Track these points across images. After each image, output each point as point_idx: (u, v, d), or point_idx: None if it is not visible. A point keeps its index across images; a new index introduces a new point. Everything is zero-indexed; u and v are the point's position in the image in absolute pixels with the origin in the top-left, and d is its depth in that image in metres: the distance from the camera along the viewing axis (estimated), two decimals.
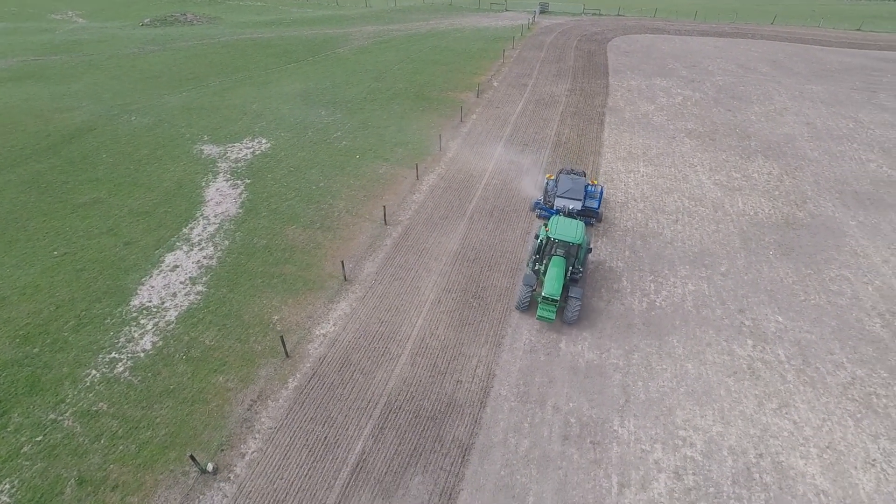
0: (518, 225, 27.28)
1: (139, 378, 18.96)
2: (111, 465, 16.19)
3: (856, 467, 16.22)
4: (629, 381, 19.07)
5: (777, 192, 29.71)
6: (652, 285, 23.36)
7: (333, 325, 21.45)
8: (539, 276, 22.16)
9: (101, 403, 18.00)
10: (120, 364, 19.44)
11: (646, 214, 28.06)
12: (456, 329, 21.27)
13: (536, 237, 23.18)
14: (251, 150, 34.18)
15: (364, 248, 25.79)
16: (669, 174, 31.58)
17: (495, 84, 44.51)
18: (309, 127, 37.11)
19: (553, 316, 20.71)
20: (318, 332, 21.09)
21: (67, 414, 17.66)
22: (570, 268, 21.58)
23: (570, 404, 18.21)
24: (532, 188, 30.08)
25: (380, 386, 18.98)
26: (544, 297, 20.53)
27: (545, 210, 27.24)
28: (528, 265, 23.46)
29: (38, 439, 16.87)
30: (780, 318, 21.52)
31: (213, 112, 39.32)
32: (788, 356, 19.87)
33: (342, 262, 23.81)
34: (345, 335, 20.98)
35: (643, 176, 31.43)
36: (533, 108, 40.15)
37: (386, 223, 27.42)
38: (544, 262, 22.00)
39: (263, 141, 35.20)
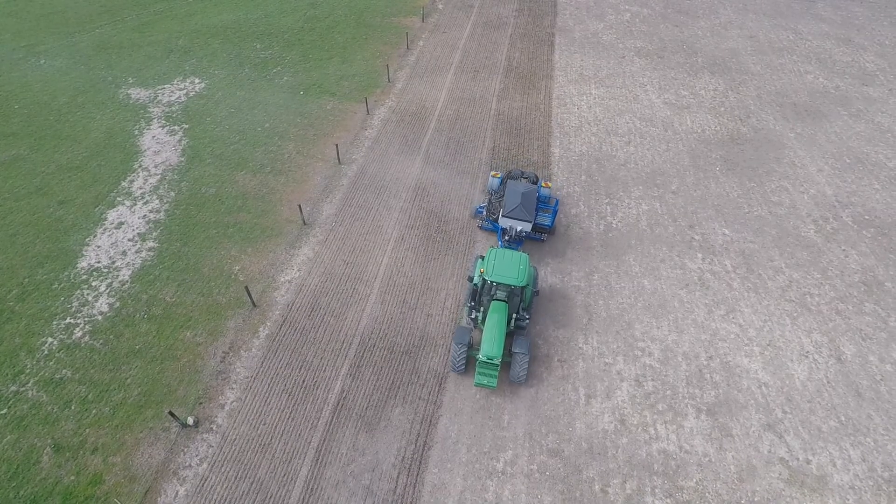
0: (475, 155, 27.03)
1: (101, 342, 18.36)
2: (87, 430, 15.99)
3: (792, 360, 18.06)
4: (591, 301, 20.07)
5: (722, 109, 30.49)
6: (608, 208, 24.06)
7: (298, 270, 21.17)
8: (477, 324, 18.34)
9: (65, 370, 17.45)
10: (77, 329, 18.70)
11: (599, 137, 28.34)
12: (422, 264, 21.46)
13: (470, 280, 18.70)
14: (184, 91, 31.64)
15: (320, 189, 25.04)
16: (621, 95, 31.68)
17: (440, 6, 42.25)
18: (245, 63, 34.49)
19: (494, 382, 16.74)
20: (282, 279, 20.81)
21: (30, 384, 17.07)
22: (514, 314, 17.82)
23: (537, 327, 19.09)
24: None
25: (352, 326, 19.20)
26: (481, 361, 16.72)
27: (489, 223, 22.28)
28: (465, 305, 19.31)
29: (2, 412, 16.33)
30: (727, 231, 22.83)
31: (134, 50, 35.73)
32: (734, 266, 21.31)
33: (299, 205, 23.13)
34: (311, 280, 20.81)
35: (595, 98, 31.40)
36: (481, 31, 38.63)
37: (340, 162, 26.56)
38: (483, 308, 18.17)
39: (197, 81, 32.57)
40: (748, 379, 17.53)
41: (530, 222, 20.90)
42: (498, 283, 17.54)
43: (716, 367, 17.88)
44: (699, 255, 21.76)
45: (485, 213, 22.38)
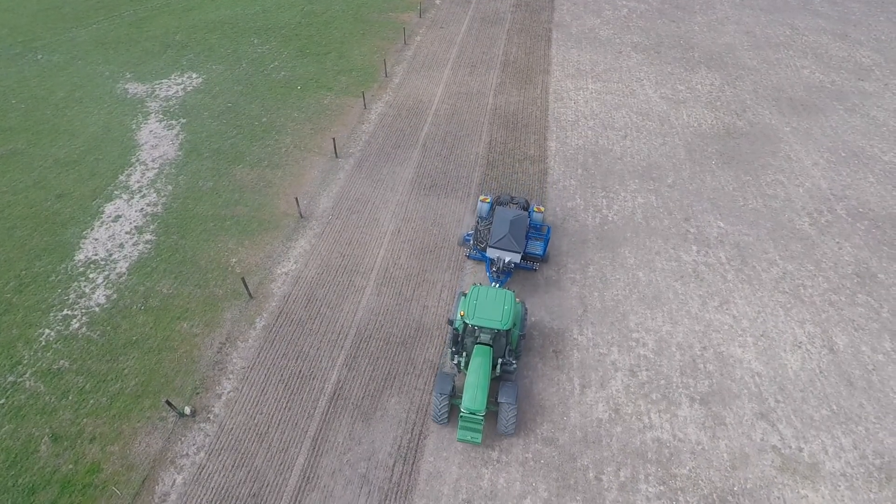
0: (472, 149, 27.11)
1: (98, 333, 18.44)
2: (84, 420, 16.09)
3: (785, 350, 18.19)
4: (586, 293, 20.18)
5: (719, 103, 30.57)
6: (604, 201, 24.16)
7: (294, 262, 21.26)
8: (461, 369, 16.71)
9: (62, 361, 17.53)
10: (75, 321, 18.78)
11: (596, 132, 28.42)
12: (418, 257, 21.56)
13: (450, 322, 16.75)
14: (181, 86, 31.67)
15: (317, 183, 25.12)
16: (617, 90, 31.75)
17: (437, 2, 42.27)
18: (242, 57, 34.52)
19: (479, 438, 15.13)
20: (279, 271, 20.90)
21: (27, 375, 17.15)
22: (500, 359, 16.17)
23: (532, 318, 19.19)
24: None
25: (348, 317, 19.30)
26: (463, 414, 15.25)
27: (476, 251, 20.54)
28: (448, 347, 17.79)
29: (0, 402, 16.41)
30: (722, 224, 22.94)
31: (131, 45, 35.74)
32: (729, 258, 21.42)
33: (296, 199, 23.20)
34: (307, 272, 20.90)
35: (592, 93, 31.47)
36: (478, 26, 38.66)
37: (337, 156, 26.63)
38: (466, 352, 16.57)
39: (194, 75, 32.61)
40: (741, 369, 17.65)
41: (519, 252, 19.27)
42: (480, 327, 15.89)
43: (709, 357, 18.00)
44: (694, 248, 21.87)
45: (472, 241, 20.61)
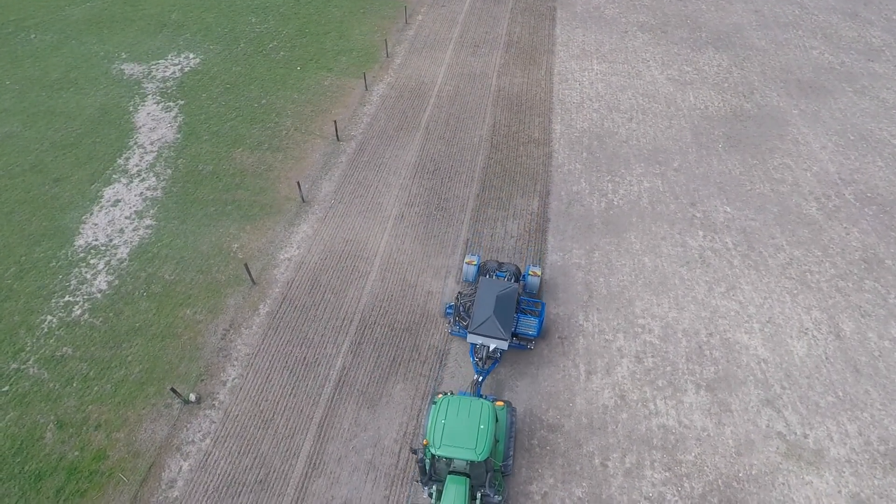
0: (475, 132, 26.68)
1: (101, 319, 18.31)
2: (89, 407, 16.05)
3: (791, 336, 18.12)
4: (591, 279, 20.03)
5: (726, 85, 30.04)
6: (609, 185, 23.86)
7: (297, 248, 21.04)
8: (434, 502, 13.59)
9: (65, 348, 17.43)
10: (77, 307, 18.63)
11: (601, 114, 27.97)
12: (422, 242, 21.34)
13: (414, 452, 13.18)
14: (179, 66, 31.02)
15: (319, 166, 24.76)
16: (623, 71, 31.16)
17: None
18: (240, 37, 33.76)
19: None
20: (282, 257, 20.70)
21: (30, 362, 17.06)
22: (480, 493, 13.17)
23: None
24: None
25: (352, 304, 19.16)
26: None
27: (459, 328, 17.40)
28: (414, 480, 14.85)
29: (4, 389, 16.36)
30: (728, 209, 22.69)
31: (126, 25, 34.91)
32: (735, 243, 21.23)
33: (298, 183, 22.87)
34: (310, 257, 20.70)
35: (597, 74, 30.89)
36: (481, 5, 37.79)
37: (338, 139, 26.20)
38: (438, 483, 13.57)
39: (191, 56, 31.92)
40: (747, 355, 17.60)
41: (506, 340, 16.03)
42: (449, 458, 12.82)
43: (716, 343, 17.94)
44: (700, 233, 21.66)
45: (453, 317, 17.56)
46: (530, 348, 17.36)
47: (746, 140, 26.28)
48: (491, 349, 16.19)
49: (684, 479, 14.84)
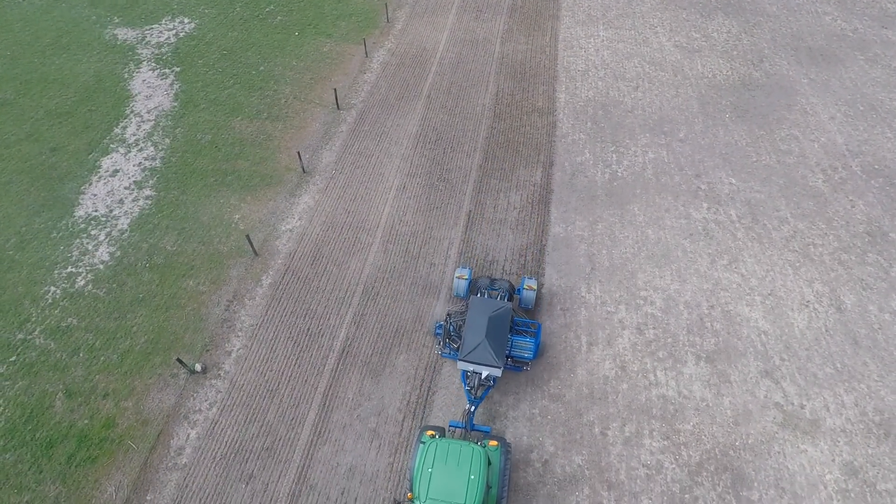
0: (478, 101, 26.18)
1: (104, 290, 18.36)
2: (97, 376, 16.25)
3: (792, 309, 18.21)
4: (594, 251, 20.00)
5: (735, 52, 29.31)
6: (614, 156, 23.56)
7: (299, 219, 20.93)
8: None
9: (70, 318, 17.53)
10: (80, 278, 18.65)
11: (606, 83, 27.39)
12: (424, 213, 21.22)
13: None
14: (173, 31, 30.19)
15: (319, 136, 24.39)
16: (629, 37, 30.36)
17: None
18: (235, 1, 32.75)
19: None
20: (284, 228, 20.61)
21: (36, 332, 17.18)
22: None
23: (540, 278, 19.09)
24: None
25: (355, 275, 19.19)
26: None
27: (449, 349, 16.28)
28: None
29: (11, 359, 16.53)
30: (734, 180, 22.47)
31: None
32: (739, 216, 21.11)
33: (298, 153, 22.58)
34: (312, 229, 20.61)
35: (603, 41, 30.11)
36: None
37: (339, 108, 25.73)
38: None
39: (186, 20, 31.03)
40: (748, 327, 17.73)
41: (500, 367, 14.86)
42: None
43: (717, 315, 18.04)
44: (704, 205, 21.51)
45: (442, 338, 16.22)
46: (526, 370, 16.30)
47: (754, 110, 25.82)
48: (483, 376, 15.03)
49: (682, 447, 15.16)
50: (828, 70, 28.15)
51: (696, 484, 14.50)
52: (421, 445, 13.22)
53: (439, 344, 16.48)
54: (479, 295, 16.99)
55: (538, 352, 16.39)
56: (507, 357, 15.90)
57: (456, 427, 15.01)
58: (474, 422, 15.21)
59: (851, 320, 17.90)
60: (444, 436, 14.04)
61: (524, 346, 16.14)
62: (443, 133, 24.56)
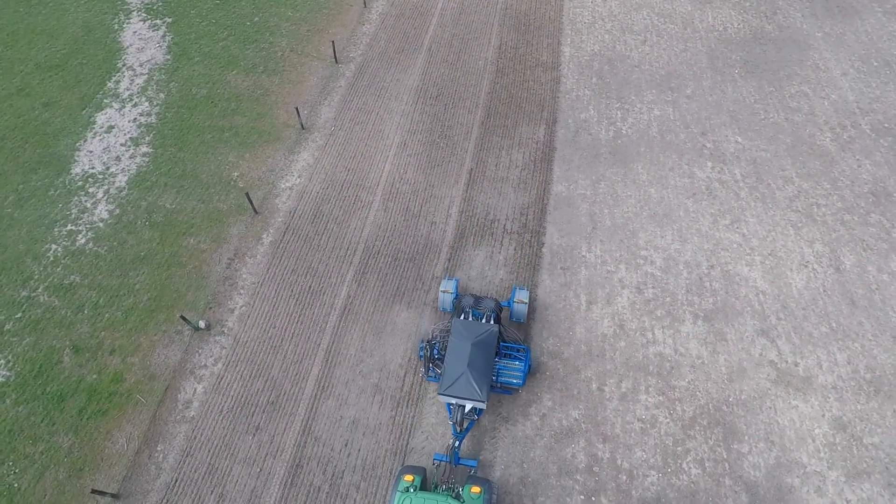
0: (480, 54, 25.41)
1: (105, 248, 18.38)
2: (102, 333, 16.50)
3: (791, 269, 18.27)
4: (596, 210, 19.89)
5: (748, 3, 28.18)
6: (619, 113, 23.07)
7: (298, 177, 20.72)
8: None
9: (73, 276, 17.64)
10: (80, 236, 18.64)
11: (613, 35, 26.48)
12: (425, 171, 20.99)
13: None
14: None
15: (317, 91, 23.82)
16: None
17: None
18: None
19: None
20: (283, 186, 20.43)
21: (40, 290, 17.33)
22: None
23: (541, 238, 19.07)
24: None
25: (355, 233, 19.17)
26: None
27: (433, 371, 15.19)
28: None
29: (17, 316, 16.74)
30: (740, 139, 22.09)
31: None
32: (744, 175, 20.87)
33: (296, 108, 22.11)
34: (312, 186, 20.44)
35: None
36: None
37: (337, 61, 25.01)
38: None
39: None
40: (746, 287, 17.85)
41: (483, 401, 13.58)
42: None
43: (716, 275, 18.13)
44: (709, 164, 21.23)
45: (424, 360, 14.81)
46: (518, 391, 15.38)
47: (764, 65, 25.07)
48: (467, 409, 13.87)
49: (676, 402, 15.56)
50: (843, 23, 27.14)
51: (689, 437, 14.97)
52: (398, 495, 12.44)
53: (424, 360, 14.92)
54: (462, 316, 15.41)
55: (528, 375, 15.31)
56: (495, 384, 14.80)
57: (440, 461, 13.84)
58: (460, 455, 14.17)
59: (849, 281, 17.99)
60: (424, 477, 13.18)
61: (513, 372, 14.79)
62: (444, 88, 23.96)
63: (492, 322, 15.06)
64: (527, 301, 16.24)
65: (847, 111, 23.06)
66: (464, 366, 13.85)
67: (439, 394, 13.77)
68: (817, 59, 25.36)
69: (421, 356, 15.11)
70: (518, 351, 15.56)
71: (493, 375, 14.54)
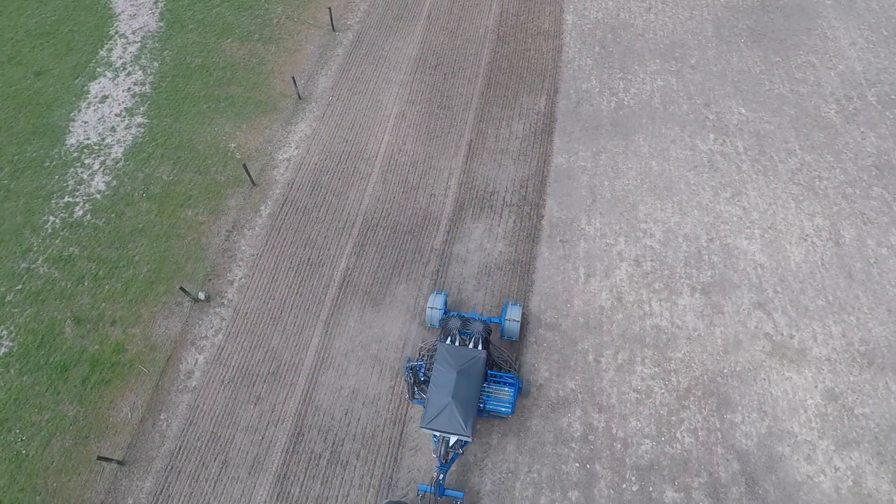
0: (481, 22, 24.81)
1: (103, 220, 18.33)
2: (103, 304, 16.60)
3: (790, 243, 18.25)
4: (596, 182, 19.75)
5: None
6: (621, 83, 22.66)
7: (296, 148, 20.50)
8: None
9: (72, 248, 17.65)
10: (78, 208, 18.57)
11: (617, 3, 25.78)
12: (424, 143, 20.75)
13: None
14: None
15: (314, 60, 23.35)
16: None
17: None
18: None
19: None
20: (281, 157, 20.24)
21: (39, 262, 17.36)
22: None
23: (540, 210, 18.98)
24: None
25: (354, 206, 19.09)
26: None
27: (419, 394, 14.24)
28: None
29: (17, 288, 16.82)
30: (743, 110, 21.75)
31: None
32: (746, 147, 20.63)
33: (293, 78, 21.71)
34: (310, 158, 20.25)
35: None
36: None
37: (334, 29, 24.43)
38: None
39: None
40: (745, 260, 17.86)
41: (469, 437, 12.85)
42: None
43: (715, 248, 18.12)
44: (711, 136, 20.97)
45: (410, 380, 13.85)
46: (510, 414, 14.15)
47: (771, 34, 24.49)
48: (451, 442, 13.13)
49: (672, 374, 15.76)
50: None
51: (683, 407, 15.22)
52: None
53: (409, 382, 13.93)
54: (448, 339, 14.39)
55: (517, 399, 14.46)
56: (483, 410, 13.98)
57: (425, 492, 13.32)
58: (444, 486, 13.52)
59: (848, 254, 17.99)
60: None
61: (502, 400, 13.95)
62: (443, 57, 23.48)
63: (479, 348, 14.03)
64: (519, 320, 15.31)
65: (854, 82, 22.64)
66: (448, 397, 13.07)
67: (423, 427, 13.02)
68: (826, 27, 24.75)
69: (407, 379, 14.04)
70: (507, 377, 14.53)
71: (481, 403, 13.72)
